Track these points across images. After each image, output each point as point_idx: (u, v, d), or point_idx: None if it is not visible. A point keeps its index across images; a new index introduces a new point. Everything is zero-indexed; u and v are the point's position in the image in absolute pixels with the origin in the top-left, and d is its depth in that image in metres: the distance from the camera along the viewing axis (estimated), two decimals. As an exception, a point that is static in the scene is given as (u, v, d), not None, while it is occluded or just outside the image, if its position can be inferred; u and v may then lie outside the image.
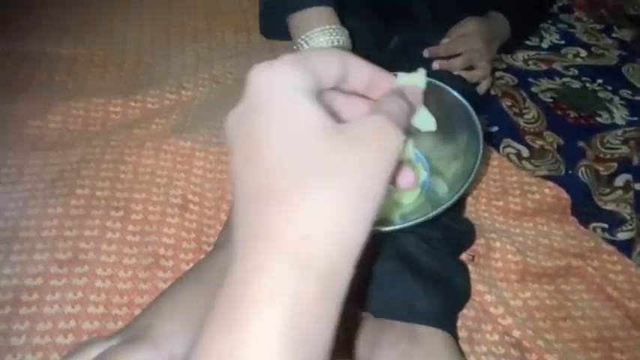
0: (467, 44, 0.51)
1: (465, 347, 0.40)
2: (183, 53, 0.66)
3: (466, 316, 0.42)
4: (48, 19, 0.68)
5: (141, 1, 0.73)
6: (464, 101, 0.41)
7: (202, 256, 0.40)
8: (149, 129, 0.53)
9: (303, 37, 0.39)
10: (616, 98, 0.78)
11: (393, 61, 0.55)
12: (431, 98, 0.44)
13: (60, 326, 0.35)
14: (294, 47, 0.41)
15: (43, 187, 0.45)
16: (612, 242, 0.52)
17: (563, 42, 0.90)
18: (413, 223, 0.37)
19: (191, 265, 0.40)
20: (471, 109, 0.41)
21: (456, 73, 0.51)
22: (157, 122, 0.54)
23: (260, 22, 0.45)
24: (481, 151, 0.39)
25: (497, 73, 0.79)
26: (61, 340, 0.34)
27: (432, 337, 0.35)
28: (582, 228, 0.53)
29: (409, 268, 0.38)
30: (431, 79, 0.43)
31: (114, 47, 0.64)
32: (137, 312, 0.36)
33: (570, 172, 0.62)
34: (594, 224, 0.55)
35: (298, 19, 0.40)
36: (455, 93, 0.42)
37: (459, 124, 0.42)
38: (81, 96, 0.56)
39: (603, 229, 0.54)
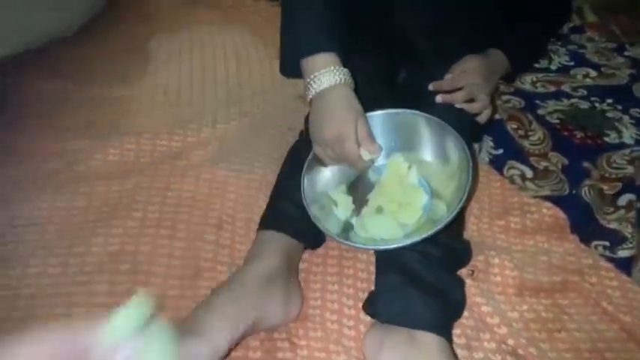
0: (468, 79, 0.56)
1: (464, 352, 0.44)
2: (216, 91, 0.76)
3: (465, 325, 0.47)
4: (103, 66, 0.80)
5: (179, 48, 0.84)
6: (450, 128, 0.48)
7: (235, 269, 0.48)
8: (190, 159, 0.62)
9: (311, 76, 0.47)
10: (626, 117, 0.79)
11: (401, 94, 0.62)
12: (427, 128, 0.51)
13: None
14: (305, 85, 0.49)
15: (107, 210, 0.55)
16: (612, 260, 0.54)
17: (572, 63, 0.92)
18: (414, 240, 0.43)
19: (226, 276, 0.48)
20: (456, 134, 0.47)
21: (457, 105, 0.56)
22: (196, 153, 0.63)
23: (280, 64, 0.54)
24: (470, 168, 0.45)
25: (505, 97, 0.83)
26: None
27: (429, 341, 0.40)
28: (582, 245, 0.56)
29: (411, 281, 0.44)
30: (425, 114, 0.50)
31: (158, 89, 0.75)
32: (183, 313, 0.43)
33: (574, 191, 0.65)
34: (596, 242, 0.57)
35: (307, 63, 0.47)
36: (442, 122, 0.48)
37: (451, 148, 0.49)
38: (133, 132, 0.66)
39: (604, 247, 0.57)
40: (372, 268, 0.52)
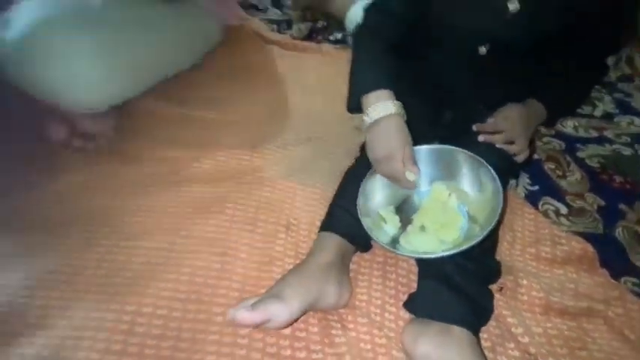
0: (508, 124, 0.64)
1: (489, 355, 0.52)
2: (289, 118, 0.92)
3: (492, 333, 0.54)
4: (203, 93, 1.00)
5: (260, 82, 1.03)
6: (485, 163, 0.58)
7: (298, 261, 0.60)
8: (267, 172, 0.77)
9: (370, 107, 0.57)
10: (671, 166, 0.81)
11: (445, 132, 0.72)
12: (466, 162, 0.61)
13: (215, 301, 0.58)
14: (364, 114, 0.59)
15: (204, 206, 0.71)
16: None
17: (617, 111, 0.96)
18: (451, 252, 0.52)
19: (291, 266, 0.60)
20: (490, 168, 0.57)
21: (497, 145, 0.63)
22: (272, 168, 0.78)
23: (347, 101, 0.67)
24: (501, 197, 0.54)
25: (545, 139, 0.89)
26: (219, 299, 0.57)
27: (460, 334, 0.48)
28: (611, 280, 0.61)
29: (447, 286, 0.53)
30: (464, 151, 0.60)
31: (245, 114, 0.93)
32: (261, 290, 0.56)
33: (607, 230, 0.69)
34: (625, 277, 0.62)
35: (368, 97, 0.58)
36: (478, 157, 0.58)
37: (486, 180, 0.58)
38: (223, 147, 0.83)
39: (633, 283, 0.61)
40: (412, 276, 0.61)
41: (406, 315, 0.56)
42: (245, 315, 0.47)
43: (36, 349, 0.51)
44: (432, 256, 0.54)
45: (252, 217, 0.69)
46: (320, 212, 0.68)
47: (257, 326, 0.49)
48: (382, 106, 0.56)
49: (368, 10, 0.63)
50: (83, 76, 0.68)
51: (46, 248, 0.63)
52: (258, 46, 1.13)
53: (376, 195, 0.62)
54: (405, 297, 0.58)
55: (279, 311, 0.49)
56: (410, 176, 0.57)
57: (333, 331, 0.54)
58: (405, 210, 0.62)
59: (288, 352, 0.52)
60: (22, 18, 0.64)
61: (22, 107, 0.77)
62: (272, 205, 0.71)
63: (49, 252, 0.62)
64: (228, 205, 0.70)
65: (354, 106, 0.62)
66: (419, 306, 0.54)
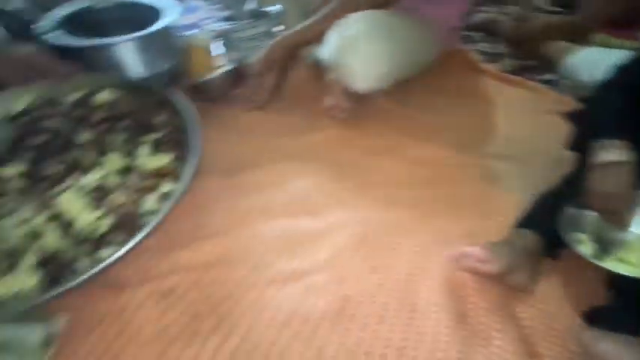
0: None
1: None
2: (489, 134, 1.06)
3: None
4: (419, 98, 1.19)
5: (470, 101, 1.19)
6: None
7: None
8: (468, 172, 0.94)
9: (604, 151, 0.63)
10: None
11: None
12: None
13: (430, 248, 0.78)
14: (596, 156, 0.66)
15: (412, 179, 0.92)
16: None
17: None
18: (625, 273, 0.59)
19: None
20: None
21: None
22: (473, 170, 0.95)
23: (569, 140, 0.75)
24: None
25: None
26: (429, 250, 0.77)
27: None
28: None
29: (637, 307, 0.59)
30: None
31: (452, 122, 1.09)
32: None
33: None
34: None
35: (605, 142, 0.64)
36: None
37: None
38: (432, 144, 1.02)
39: None
40: (593, 291, 0.67)
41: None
42: (475, 251, 0.67)
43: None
44: (630, 274, 0.60)
45: (451, 201, 0.87)
46: (509, 215, 0.78)
47: (477, 261, 0.66)
48: (619, 152, 0.64)
49: (621, 68, 0.72)
50: (368, 67, 0.98)
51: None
52: (468, 70, 1.31)
53: (582, 220, 0.70)
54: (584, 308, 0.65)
55: (491, 259, 0.66)
56: (627, 218, 0.64)
57: (517, 302, 0.67)
58: (603, 242, 0.68)
59: (479, 300, 0.67)
60: (347, 29, 0.98)
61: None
62: (469, 197, 0.88)
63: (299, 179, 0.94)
64: (431, 185, 0.91)
65: (575, 147, 0.72)
66: (607, 318, 0.60)
